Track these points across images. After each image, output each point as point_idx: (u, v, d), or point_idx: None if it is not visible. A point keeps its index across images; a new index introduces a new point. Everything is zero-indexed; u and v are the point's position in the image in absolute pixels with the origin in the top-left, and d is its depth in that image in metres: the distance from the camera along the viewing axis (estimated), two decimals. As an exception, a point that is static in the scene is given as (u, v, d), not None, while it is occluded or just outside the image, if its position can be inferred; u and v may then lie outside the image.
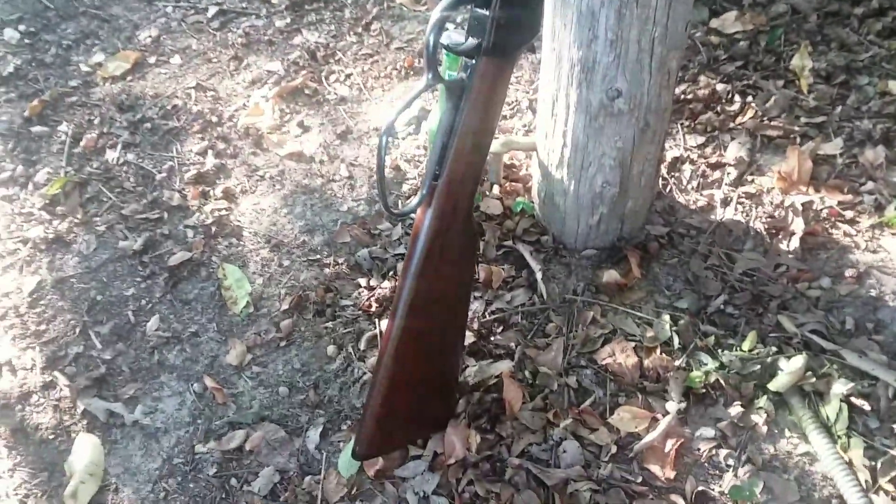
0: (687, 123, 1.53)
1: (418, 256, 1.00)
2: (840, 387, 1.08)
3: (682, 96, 1.56)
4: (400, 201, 1.51)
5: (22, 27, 2.04)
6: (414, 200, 0.99)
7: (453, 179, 0.97)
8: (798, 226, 1.30)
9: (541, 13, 0.96)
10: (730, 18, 1.68)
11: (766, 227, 1.32)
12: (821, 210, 1.33)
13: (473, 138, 0.96)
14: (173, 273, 1.42)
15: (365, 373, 1.22)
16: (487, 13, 0.89)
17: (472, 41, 0.92)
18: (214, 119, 1.73)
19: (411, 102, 0.91)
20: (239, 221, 1.51)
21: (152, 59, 1.91)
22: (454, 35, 0.98)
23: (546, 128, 1.29)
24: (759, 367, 1.12)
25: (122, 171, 1.63)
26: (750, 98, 1.54)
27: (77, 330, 1.34)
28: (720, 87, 1.57)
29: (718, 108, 1.54)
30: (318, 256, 1.42)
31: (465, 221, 1.03)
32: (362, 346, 1.26)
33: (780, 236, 1.31)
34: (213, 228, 1.50)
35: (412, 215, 1.01)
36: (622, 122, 1.19)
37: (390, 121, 0.91)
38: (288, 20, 1.98)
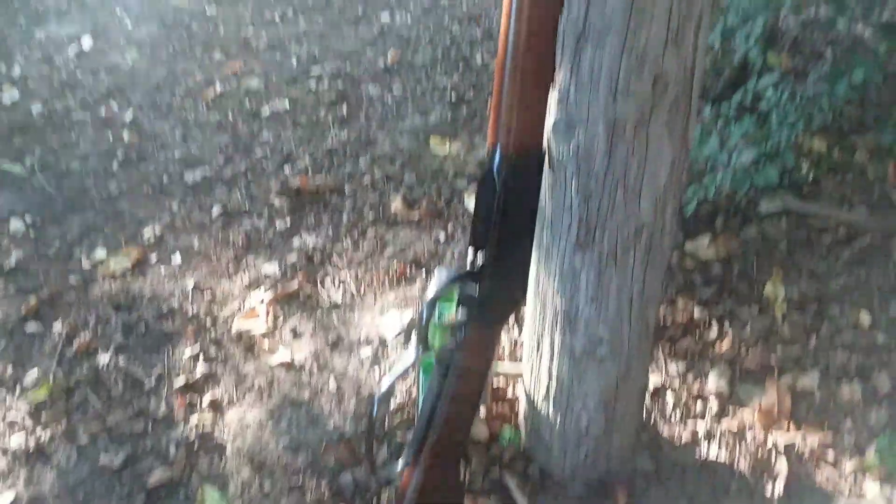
0: (667, 348, 1.58)
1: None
2: None
3: (662, 321, 1.62)
4: (388, 419, 1.51)
5: (28, 218, 2.13)
6: (400, 463, 1.00)
7: (440, 443, 0.99)
8: (782, 468, 1.31)
9: (525, 286, 1.03)
10: (703, 243, 1.78)
11: (751, 467, 1.33)
12: (803, 452, 1.34)
13: (461, 404, 0.99)
14: (151, 494, 1.39)
15: None
16: (475, 294, 0.95)
17: (462, 313, 0.98)
18: (209, 322, 1.77)
19: (402, 374, 0.95)
20: (223, 436, 1.50)
21: (154, 257, 1.98)
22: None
23: (532, 362, 1.33)
24: None
25: (112, 377, 1.63)
26: (727, 325, 1.61)
27: (45, 560, 1.29)
28: (697, 312, 1.63)
29: (697, 334, 1.60)
30: (301, 480, 1.40)
31: (453, 476, 1.04)
32: (341, 590, 1.22)
33: (764, 478, 1.31)
34: (197, 443, 1.48)
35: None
36: (604, 366, 1.22)
37: (383, 391, 0.94)
38: (288, 222, 2.07)
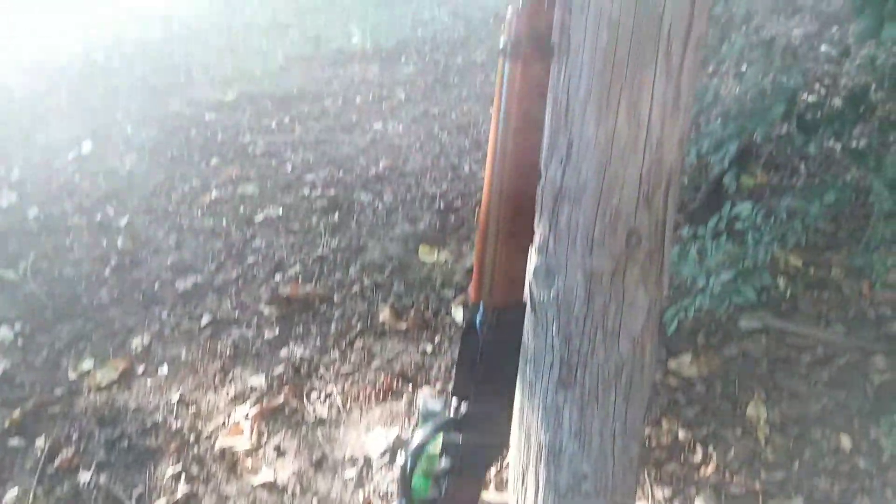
0: (654, 472, 1.58)
1: None
2: None
3: (647, 442, 1.63)
4: (370, 546, 1.49)
5: (18, 326, 2.14)
6: None
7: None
8: None
9: (507, 434, 1.05)
10: (686, 361, 1.81)
11: None
12: (790, 588, 1.33)
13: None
14: None
15: None
16: (459, 442, 0.96)
17: (445, 461, 0.99)
18: (192, 438, 1.76)
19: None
20: (202, 564, 1.47)
21: (140, 368, 1.98)
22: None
23: (517, 494, 1.32)
24: None
25: (92, 497, 1.61)
26: (711, 447, 1.61)
27: None
28: (682, 433, 1.64)
29: (682, 458, 1.60)
30: None
31: None
32: None
33: None
34: (175, 573, 1.45)
35: None
36: (590, 502, 1.23)
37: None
38: (276, 332, 2.09)
